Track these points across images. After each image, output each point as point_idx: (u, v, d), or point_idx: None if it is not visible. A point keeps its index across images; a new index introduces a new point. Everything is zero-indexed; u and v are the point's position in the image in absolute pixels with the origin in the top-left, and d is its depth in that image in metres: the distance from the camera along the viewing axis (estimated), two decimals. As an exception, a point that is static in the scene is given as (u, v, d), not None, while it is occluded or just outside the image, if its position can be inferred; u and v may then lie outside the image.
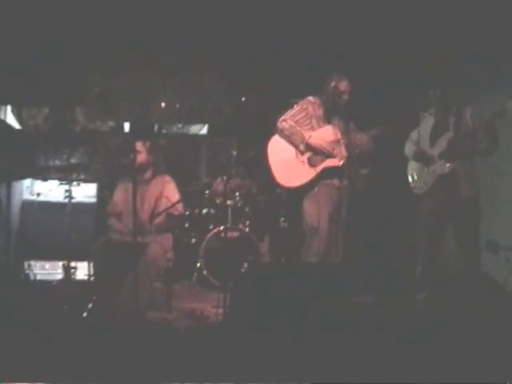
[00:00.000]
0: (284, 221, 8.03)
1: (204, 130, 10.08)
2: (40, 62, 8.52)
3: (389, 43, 7.49)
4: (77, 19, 7.29)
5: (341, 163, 5.96)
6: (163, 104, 9.22)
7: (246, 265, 7.38)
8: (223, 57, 9.02)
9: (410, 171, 6.17)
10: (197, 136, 10.08)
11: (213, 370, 4.15)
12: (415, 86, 6.67)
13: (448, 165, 5.81)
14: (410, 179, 6.15)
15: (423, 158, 6.00)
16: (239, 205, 8.16)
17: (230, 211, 7.98)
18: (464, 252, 5.84)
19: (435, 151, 5.90)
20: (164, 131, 9.87)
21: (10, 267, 6.01)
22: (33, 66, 8.51)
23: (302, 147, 6.01)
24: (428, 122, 6.04)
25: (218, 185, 8.14)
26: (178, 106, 9.31)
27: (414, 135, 6.16)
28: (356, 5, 6.89)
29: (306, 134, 6.02)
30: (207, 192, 8.39)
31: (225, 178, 6.74)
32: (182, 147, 9.76)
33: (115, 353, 4.58)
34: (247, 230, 7.94)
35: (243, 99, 9.58)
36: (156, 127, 9.80)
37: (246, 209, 8.25)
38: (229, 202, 7.98)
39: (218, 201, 8.19)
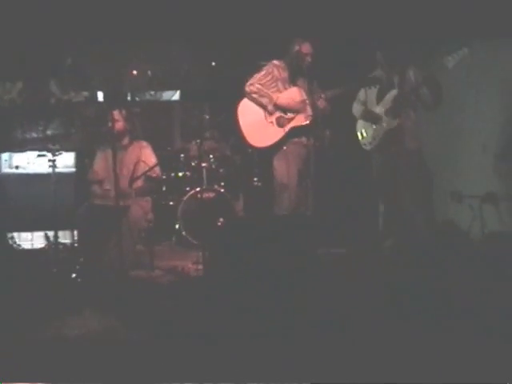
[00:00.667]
0: (257, 180, 8.21)
1: (176, 96, 10.20)
2: (12, 36, 8.65)
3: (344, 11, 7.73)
4: None
5: (307, 122, 6.20)
6: (135, 72, 9.25)
7: (220, 222, 7.49)
8: (192, 23, 9.18)
9: (358, 129, 6.48)
10: (169, 102, 10.18)
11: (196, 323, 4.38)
12: (364, 47, 6.84)
13: (393, 121, 6.12)
14: (360, 137, 6.44)
15: (370, 117, 6.31)
16: (213, 167, 8.29)
17: (204, 173, 8.11)
18: (415, 200, 6.18)
19: (381, 109, 6.22)
20: (137, 99, 9.88)
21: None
22: (5, 41, 8.67)
23: (270, 108, 6.26)
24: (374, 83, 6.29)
25: (192, 148, 8.34)
26: (149, 73, 9.34)
27: (361, 95, 6.46)
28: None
29: (274, 96, 6.27)
30: (182, 156, 8.48)
31: (198, 141, 7.01)
32: (156, 114, 9.85)
33: (103, 310, 4.83)
34: (222, 190, 8.09)
35: (213, 64, 9.76)
36: (129, 95, 9.85)
37: (221, 170, 8.37)
38: (204, 165, 8.10)
39: (193, 164, 8.29)
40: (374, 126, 6.30)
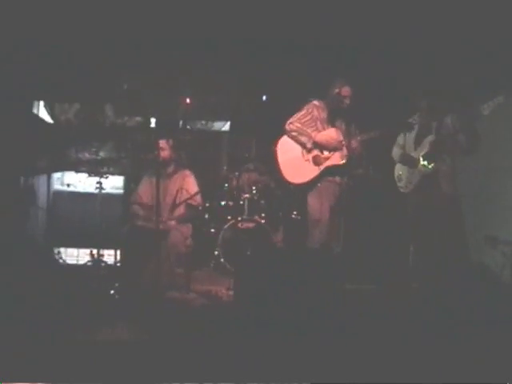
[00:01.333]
0: (297, 213, 8.27)
1: (226, 127, 10.38)
2: (72, 59, 8.86)
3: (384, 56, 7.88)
4: (106, 18, 7.36)
5: (342, 162, 6.42)
6: (188, 100, 9.43)
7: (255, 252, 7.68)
8: (246, 57, 9.45)
9: (396, 173, 6.63)
10: (219, 132, 10.37)
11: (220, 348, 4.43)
12: (405, 94, 7.08)
13: (430, 165, 6.29)
14: (397, 180, 6.61)
15: (408, 160, 6.47)
16: (255, 198, 8.40)
17: (246, 203, 8.29)
18: (449, 243, 6.25)
19: (419, 153, 6.38)
20: (188, 127, 10.06)
21: (40, 254, 6.29)
22: (65, 64, 8.67)
23: (309, 146, 6.49)
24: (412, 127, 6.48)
25: (236, 179, 8.53)
26: (202, 101, 9.53)
27: (400, 139, 6.61)
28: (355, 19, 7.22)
29: (313, 134, 6.51)
30: (226, 185, 8.65)
31: (237, 173, 7.30)
32: (205, 143, 10.00)
33: (138, 326, 5.02)
34: (262, 221, 8.20)
35: (264, 98, 9.96)
36: (181, 123, 10.02)
37: (262, 202, 8.47)
38: (246, 195, 8.29)
39: (236, 194, 8.45)
40: (411, 170, 6.45)
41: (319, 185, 6.52)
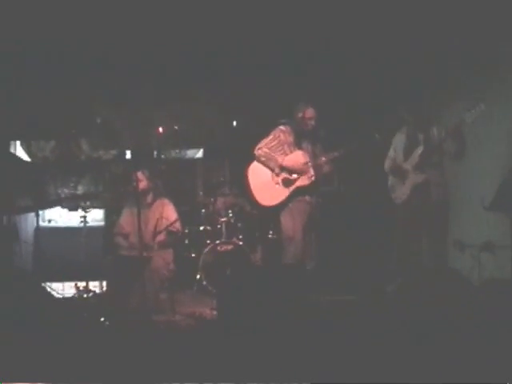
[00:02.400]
0: (273, 233, 8.50)
1: (199, 154, 10.61)
2: (44, 98, 9.01)
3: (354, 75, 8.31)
4: (76, 53, 7.75)
5: (309, 182, 6.70)
6: (161, 129, 9.56)
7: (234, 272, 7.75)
8: (216, 84, 9.71)
9: (389, 184, 6.88)
10: (193, 159, 10.58)
11: (210, 366, 4.48)
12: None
13: (421, 175, 6.56)
14: (391, 191, 6.85)
15: (399, 172, 6.73)
16: (232, 221, 8.65)
17: (224, 227, 8.52)
18: (434, 250, 6.54)
19: (409, 165, 6.63)
20: (163, 156, 10.24)
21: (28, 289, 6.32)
22: (38, 103, 8.98)
23: (277, 170, 6.76)
24: (401, 140, 6.76)
25: (212, 204, 8.79)
26: (176, 128, 9.65)
27: (391, 152, 6.88)
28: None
29: (280, 159, 6.77)
30: (203, 211, 8.93)
31: (213, 199, 7.80)
32: (180, 170, 10.23)
33: (126, 351, 5.00)
34: (240, 243, 8.42)
35: (234, 124, 10.18)
36: (155, 153, 10.19)
37: (239, 224, 8.72)
38: (223, 219, 8.54)
39: (213, 218, 8.70)
40: (403, 181, 6.69)
41: (290, 205, 6.77)
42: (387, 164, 6.93)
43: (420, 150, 6.56)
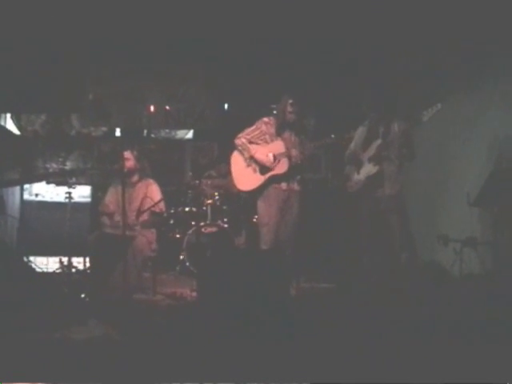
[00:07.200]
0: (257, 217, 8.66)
1: (190, 135, 10.64)
2: (37, 71, 9.05)
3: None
4: (72, 29, 7.62)
5: (282, 172, 6.81)
6: (152, 108, 9.64)
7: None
8: (209, 67, 9.73)
9: (345, 173, 7.02)
10: (182, 140, 10.63)
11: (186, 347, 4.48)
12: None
13: (374, 167, 6.65)
14: (346, 180, 6.99)
15: (356, 162, 6.83)
16: (218, 203, 8.80)
17: (209, 209, 8.66)
18: (395, 241, 6.57)
19: (365, 156, 6.73)
20: (152, 135, 10.37)
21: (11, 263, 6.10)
22: (31, 76, 9.04)
23: (248, 161, 6.93)
24: (362, 132, 6.85)
25: (199, 185, 8.90)
26: (167, 108, 9.80)
27: (352, 143, 6.97)
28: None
29: (253, 150, 6.91)
30: (190, 192, 9.04)
31: (199, 181, 7.74)
32: (169, 151, 10.37)
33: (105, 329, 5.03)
34: (225, 225, 8.58)
35: (226, 107, 10.30)
36: (145, 132, 10.33)
37: (224, 207, 8.88)
38: (209, 201, 8.67)
39: (199, 200, 8.83)
40: (358, 171, 6.79)
41: (265, 191, 6.88)
42: (347, 154, 7.05)
43: (378, 142, 6.66)
